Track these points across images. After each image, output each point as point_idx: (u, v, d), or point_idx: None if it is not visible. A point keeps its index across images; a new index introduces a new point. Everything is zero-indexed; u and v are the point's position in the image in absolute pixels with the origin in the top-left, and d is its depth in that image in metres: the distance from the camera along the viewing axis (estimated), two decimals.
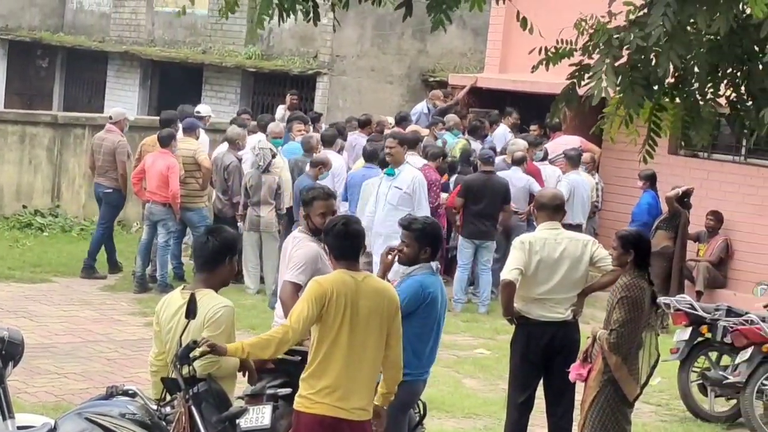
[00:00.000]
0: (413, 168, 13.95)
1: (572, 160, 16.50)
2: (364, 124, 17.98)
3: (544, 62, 8.53)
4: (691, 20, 7.65)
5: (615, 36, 7.92)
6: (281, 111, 19.75)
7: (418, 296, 7.75)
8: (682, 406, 11.67)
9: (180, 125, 15.87)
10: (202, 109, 18.06)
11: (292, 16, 8.20)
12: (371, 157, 15.19)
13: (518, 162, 15.96)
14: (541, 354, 9.05)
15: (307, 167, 14.86)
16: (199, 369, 6.60)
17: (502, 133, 18.78)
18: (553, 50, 8.54)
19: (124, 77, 26.34)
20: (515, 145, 16.49)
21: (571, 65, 8.41)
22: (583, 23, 8.40)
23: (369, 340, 6.84)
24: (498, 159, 16.42)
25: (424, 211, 13.06)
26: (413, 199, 13.52)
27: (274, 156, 15.03)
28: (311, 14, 8.36)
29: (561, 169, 16.68)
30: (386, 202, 13.53)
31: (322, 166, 14.67)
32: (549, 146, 17.54)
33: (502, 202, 15.15)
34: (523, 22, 8.33)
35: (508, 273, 8.90)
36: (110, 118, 16.28)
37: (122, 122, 15.99)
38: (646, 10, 7.93)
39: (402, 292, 7.62)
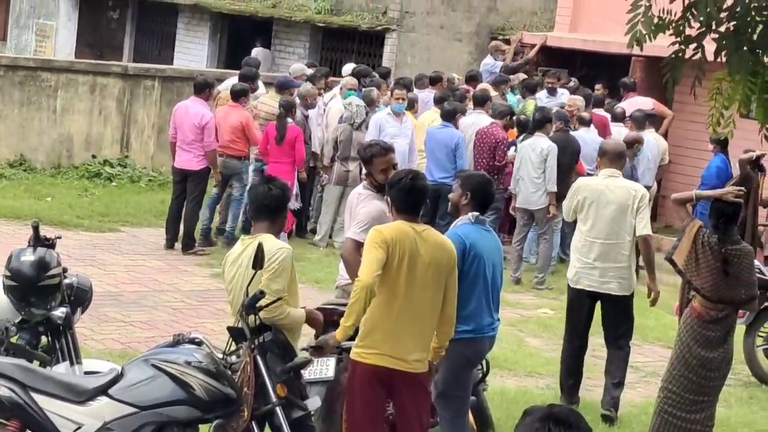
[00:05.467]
0: None
1: (637, 121, 16.36)
2: (434, 81, 17.98)
3: (647, 35, 7.16)
4: None
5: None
6: (349, 67, 19.53)
7: (460, 248, 7.32)
8: (747, 371, 11.57)
9: (254, 83, 15.89)
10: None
11: None
12: (449, 115, 15.23)
13: (587, 123, 15.92)
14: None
15: None
16: (265, 316, 6.64)
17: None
18: (656, 20, 7.29)
19: (193, 30, 26.37)
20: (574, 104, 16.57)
21: (673, 40, 7.50)
22: None
23: (426, 292, 6.82)
24: None
25: None
26: None
27: (367, 113, 15.14)
28: None
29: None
30: None
31: None
32: (624, 105, 17.37)
33: (575, 162, 15.08)
34: None
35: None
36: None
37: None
38: None
39: None
